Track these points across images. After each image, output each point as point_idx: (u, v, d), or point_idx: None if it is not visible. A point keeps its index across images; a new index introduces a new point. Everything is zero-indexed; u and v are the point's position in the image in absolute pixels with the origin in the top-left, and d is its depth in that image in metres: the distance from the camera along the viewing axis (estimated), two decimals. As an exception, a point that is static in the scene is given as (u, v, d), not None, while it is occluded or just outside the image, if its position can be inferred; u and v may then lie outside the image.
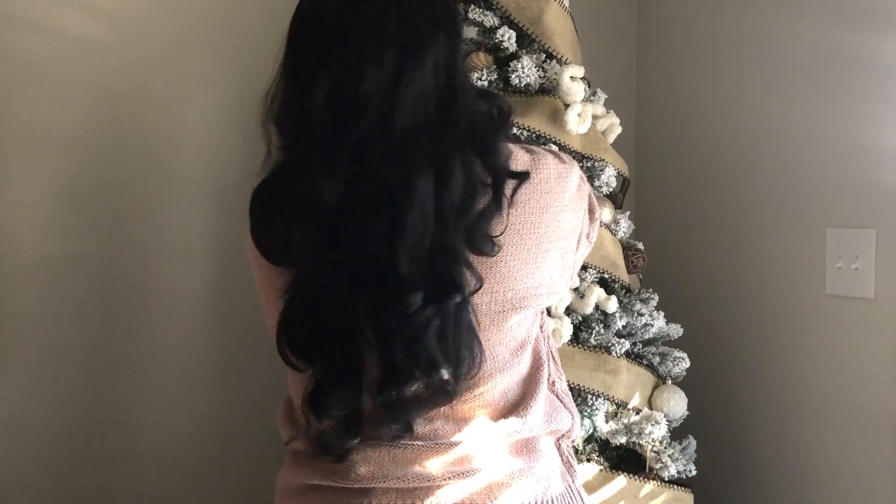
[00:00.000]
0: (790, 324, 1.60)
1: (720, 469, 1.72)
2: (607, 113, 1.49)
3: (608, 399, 1.38)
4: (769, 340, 1.65)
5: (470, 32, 1.46)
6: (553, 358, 1.04)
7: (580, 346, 1.39)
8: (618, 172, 1.48)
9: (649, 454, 1.40)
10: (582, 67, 1.41)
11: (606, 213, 1.46)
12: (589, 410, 1.36)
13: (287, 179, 0.87)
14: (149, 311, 1.60)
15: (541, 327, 1.00)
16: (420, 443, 0.89)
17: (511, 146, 0.91)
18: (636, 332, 1.45)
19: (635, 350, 1.45)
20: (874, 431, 1.44)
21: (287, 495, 0.97)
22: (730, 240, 1.75)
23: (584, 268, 1.41)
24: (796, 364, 1.59)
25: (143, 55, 1.58)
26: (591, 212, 1.02)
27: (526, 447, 0.94)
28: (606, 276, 1.44)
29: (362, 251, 0.82)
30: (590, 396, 1.37)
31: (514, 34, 1.41)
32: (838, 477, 1.51)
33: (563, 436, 1.01)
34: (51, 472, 1.52)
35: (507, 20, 1.43)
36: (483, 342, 0.88)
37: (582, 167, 1.43)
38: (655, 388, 1.46)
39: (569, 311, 1.40)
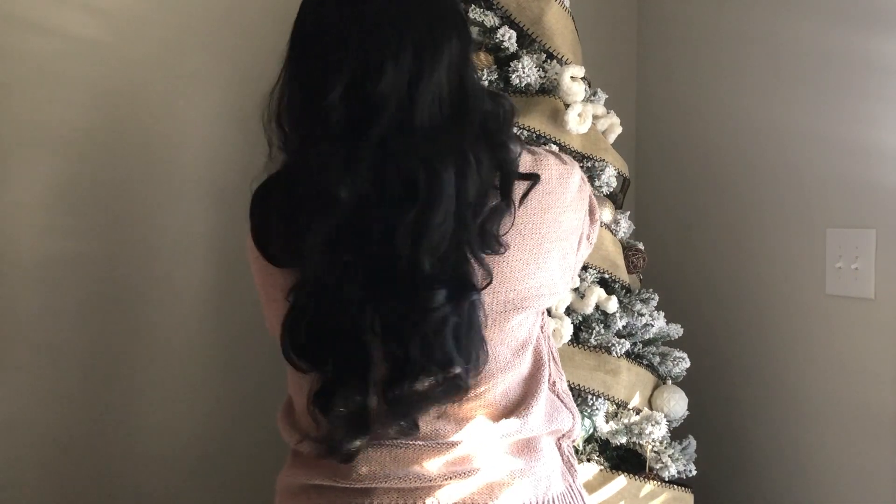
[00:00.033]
0: (790, 324, 1.60)
1: (720, 469, 1.72)
2: (607, 113, 1.49)
3: (608, 399, 1.38)
4: (769, 340, 1.65)
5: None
6: (554, 358, 1.04)
7: (580, 346, 1.39)
8: (618, 172, 1.48)
9: (649, 454, 1.40)
10: (582, 67, 1.41)
11: (607, 213, 1.46)
12: (589, 410, 1.36)
13: (297, 179, 0.86)
14: (149, 311, 1.60)
15: (541, 327, 1.00)
16: (421, 443, 0.89)
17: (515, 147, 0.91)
18: (636, 332, 1.45)
19: (635, 350, 1.45)
20: (874, 431, 1.45)
21: (287, 495, 0.96)
22: (730, 240, 1.75)
23: (585, 268, 1.41)
24: (796, 364, 1.59)
25: (143, 55, 1.58)
26: (591, 213, 1.02)
27: (527, 447, 0.94)
28: (607, 276, 1.44)
29: (379, 248, 0.82)
30: (590, 396, 1.37)
31: (514, 34, 1.41)
32: (838, 477, 1.51)
33: (563, 436, 1.01)
34: (51, 472, 1.52)
35: (507, 20, 1.43)
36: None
37: (582, 167, 1.43)
38: (656, 388, 1.46)
39: (569, 311, 1.40)
